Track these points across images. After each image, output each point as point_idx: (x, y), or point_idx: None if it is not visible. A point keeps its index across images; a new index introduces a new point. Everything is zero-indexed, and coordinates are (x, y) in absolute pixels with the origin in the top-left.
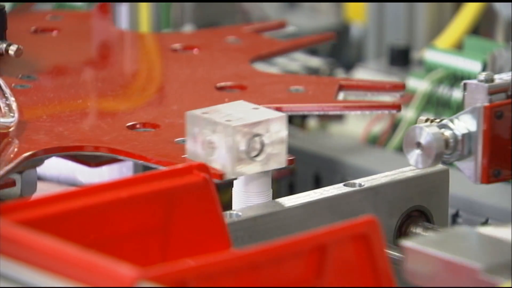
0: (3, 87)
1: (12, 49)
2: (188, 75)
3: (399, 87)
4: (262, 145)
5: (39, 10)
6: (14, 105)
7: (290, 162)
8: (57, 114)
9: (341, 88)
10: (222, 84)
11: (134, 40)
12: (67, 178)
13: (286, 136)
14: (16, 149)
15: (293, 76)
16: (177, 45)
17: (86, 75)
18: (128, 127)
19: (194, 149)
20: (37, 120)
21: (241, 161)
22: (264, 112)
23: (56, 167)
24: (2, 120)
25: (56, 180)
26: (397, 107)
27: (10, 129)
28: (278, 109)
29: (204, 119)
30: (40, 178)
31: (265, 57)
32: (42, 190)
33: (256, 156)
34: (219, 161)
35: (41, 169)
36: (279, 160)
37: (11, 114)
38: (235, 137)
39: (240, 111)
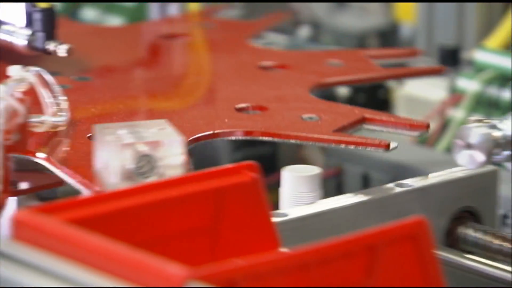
0: (54, 86)
1: (62, 48)
2: (231, 93)
3: (423, 126)
4: (153, 166)
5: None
6: (64, 105)
7: None
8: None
9: (364, 121)
10: (243, 105)
11: (236, 52)
12: None
13: (182, 161)
14: None
15: (326, 104)
16: (268, 63)
17: (139, 79)
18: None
19: (96, 163)
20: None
21: (129, 179)
22: (165, 134)
23: None
24: (55, 119)
25: None
26: (385, 147)
27: (60, 128)
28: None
29: (103, 134)
30: None
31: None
32: None
33: (148, 177)
34: (110, 176)
35: None
36: None
37: (62, 114)
38: (121, 155)
39: (148, 130)
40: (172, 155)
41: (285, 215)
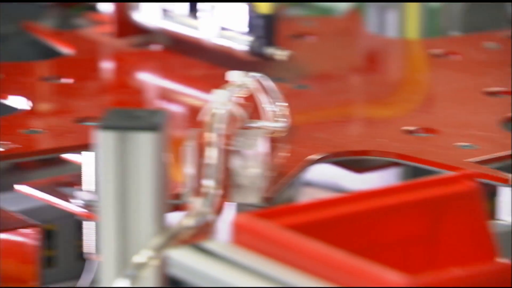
0: (275, 92)
1: (280, 54)
2: (416, 114)
3: None
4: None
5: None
6: (285, 111)
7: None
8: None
9: None
10: (411, 127)
11: (480, 75)
12: (333, 184)
13: (257, 173)
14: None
15: (502, 134)
16: (495, 89)
17: (352, 81)
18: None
19: None
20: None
21: None
22: (250, 145)
23: (322, 172)
24: (274, 125)
25: (322, 185)
26: (504, 181)
27: (282, 134)
28: None
29: None
30: (307, 183)
31: None
32: (309, 195)
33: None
34: None
35: (308, 175)
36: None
37: (283, 119)
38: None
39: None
40: (249, 167)
41: (504, 225)
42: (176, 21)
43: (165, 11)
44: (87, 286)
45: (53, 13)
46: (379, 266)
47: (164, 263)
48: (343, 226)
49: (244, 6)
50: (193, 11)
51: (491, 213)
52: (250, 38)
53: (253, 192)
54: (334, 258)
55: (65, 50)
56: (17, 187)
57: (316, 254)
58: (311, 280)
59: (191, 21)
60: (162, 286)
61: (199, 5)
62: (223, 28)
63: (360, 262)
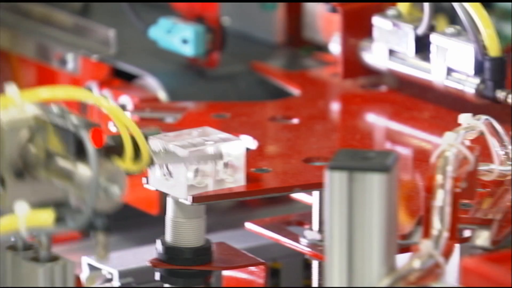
0: (502, 135)
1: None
2: None
3: None
4: None
5: None
6: None
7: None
8: None
9: None
10: None
11: None
12: None
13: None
14: None
15: None
16: None
17: None
18: None
19: None
20: None
21: None
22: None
23: None
24: (504, 168)
25: None
26: None
27: (506, 178)
28: None
29: None
30: None
31: None
32: None
33: None
34: None
35: None
36: None
37: (509, 163)
38: None
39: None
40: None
41: None
42: (403, 62)
43: (392, 52)
44: None
45: (282, 53)
46: None
47: None
48: None
49: (471, 48)
50: (420, 52)
51: None
52: (478, 81)
53: (483, 234)
54: None
55: (293, 90)
56: (246, 225)
57: None
58: None
59: (419, 62)
60: None
61: (428, 46)
62: (450, 70)
63: None
